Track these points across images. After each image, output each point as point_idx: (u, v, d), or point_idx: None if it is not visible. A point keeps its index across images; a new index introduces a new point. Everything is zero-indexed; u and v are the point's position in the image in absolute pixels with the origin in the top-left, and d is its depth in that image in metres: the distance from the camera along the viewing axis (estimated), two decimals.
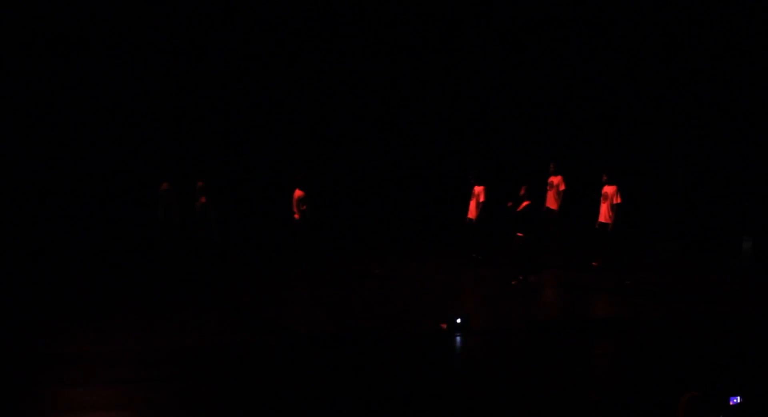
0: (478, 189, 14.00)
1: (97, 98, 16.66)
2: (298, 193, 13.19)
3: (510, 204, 12.42)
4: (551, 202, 15.54)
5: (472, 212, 14.14)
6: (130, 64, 16.64)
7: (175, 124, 17.03)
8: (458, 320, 9.94)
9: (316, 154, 17.72)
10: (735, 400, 4.90)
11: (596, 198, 13.92)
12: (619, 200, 13.42)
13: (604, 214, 13.60)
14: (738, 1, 14.68)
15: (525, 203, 12.00)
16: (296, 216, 13.21)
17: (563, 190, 15.27)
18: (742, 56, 14.59)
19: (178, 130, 17.00)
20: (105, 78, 16.56)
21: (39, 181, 16.34)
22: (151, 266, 13.25)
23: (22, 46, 15.87)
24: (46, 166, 16.44)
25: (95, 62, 16.49)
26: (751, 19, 13.99)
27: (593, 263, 13.99)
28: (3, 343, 9.25)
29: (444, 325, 10.05)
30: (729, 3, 15.08)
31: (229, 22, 17.19)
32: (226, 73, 17.35)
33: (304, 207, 13.14)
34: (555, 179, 15.42)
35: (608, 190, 13.56)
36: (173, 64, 16.97)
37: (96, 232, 16.23)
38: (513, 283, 12.28)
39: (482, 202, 13.94)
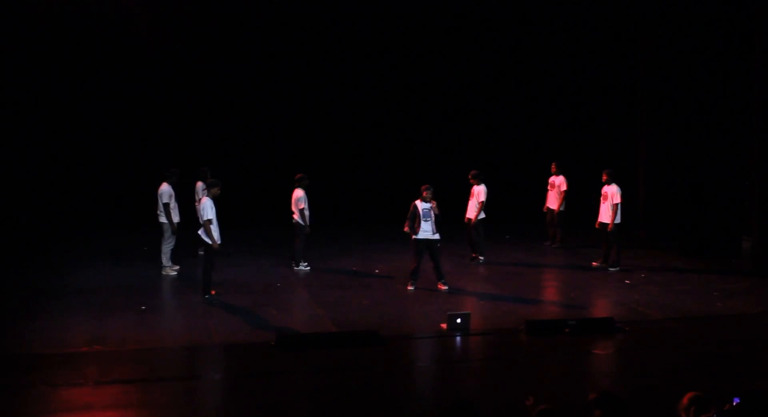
0: (478, 189, 14.00)
1: (95, 97, 16.68)
2: (297, 192, 13.18)
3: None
4: (552, 202, 15.54)
5: (470, 212, 14.15)
6: (128, 62, 16.66)
7: (175, 124, 17.04)
8: (458, 320, 9.94)
9: (317, 153, 17.72)
10: (735, 401, 4.90)
11: (596, 198, 13.93)
12: (618, 200, 13.42)
13: (604, 213, 13.61)
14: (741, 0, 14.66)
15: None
16: (295, 216, 13.21)
17: (565, 191, 15.28)
18: (741, 57, 14.57)
19: (177, 130, 17.01)
20: (103, 76, 16.58)
21: (38, 180, 16.36)
22: (151, 266, 13.24)
23: (21, 46, 15.88)
24: (44, 165, 16.46)
25: (94, 61, 16.51)
26: (752, 18, 13.97)
27: (593, 263, 13.99)
28: (1, 342, 9.25)
29: (444, 325, 10.05)
30: (731, 2, 15.06)
31: (228, 26, 17.21)
32: (224, 72, 17.35)
33: (302, 206, 13.14)
34: (557, 179, 15.42)
35: (608, 189, 13.57)
36: (171, 61, 16.98)
37: (95, 231, 16.26)
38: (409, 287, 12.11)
39: (481, 202, 13.94)
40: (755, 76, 13.85)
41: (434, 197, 11.89)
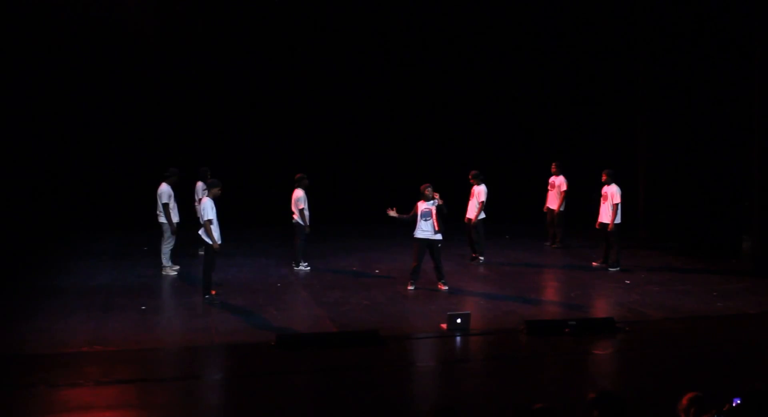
0: (478, 189, 14.01)
1: (96, 97, 16.67)
2: (296, 192, 13.18)
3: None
4: (552, 203, 15.55)
5: (470, 212, 14.15)
6: (128, 62, 16.65)
7: (175, 124, 17.04)
8: (458, 320, 9.94)
9: (317, 152, 17.72)
10: (735, 401, 4.89)
11: (596, 198, 13.93)
12: (618, 200, 13.43)
13: (604, 214, 13.61)
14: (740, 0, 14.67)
15: None
16: (294, 216, 13.21)
17: (565, 191, 15.29)
18: (741, 57, 14.58)
19: (177, 130, 17.01)
20: (103, 76, 16.58)
21: (38, 180, 16.36)
22: (151, 266, 13.24)
23: (21, 45, 15.88)
24: (44, 165, 16.46)
25: (95, 61, 16.50)
26: (752, 18, 13.98)
27: (593, 263, 14.00)
28: (1, 342, 9.25)
29: (444, 326, 10.05)
30: (731, 2, 15.06)
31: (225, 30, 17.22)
32: (224, 71, 17.35)
33: (302, 206, 13.13)
34: (557, 179, 15.43)
35: (608, 189, 13.57)
36: (172, 61, 16.98)
37: (95, 231, 16.26)
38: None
39: (481, 203, 13.95)
40: (755, 76, 13.86)
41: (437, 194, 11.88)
